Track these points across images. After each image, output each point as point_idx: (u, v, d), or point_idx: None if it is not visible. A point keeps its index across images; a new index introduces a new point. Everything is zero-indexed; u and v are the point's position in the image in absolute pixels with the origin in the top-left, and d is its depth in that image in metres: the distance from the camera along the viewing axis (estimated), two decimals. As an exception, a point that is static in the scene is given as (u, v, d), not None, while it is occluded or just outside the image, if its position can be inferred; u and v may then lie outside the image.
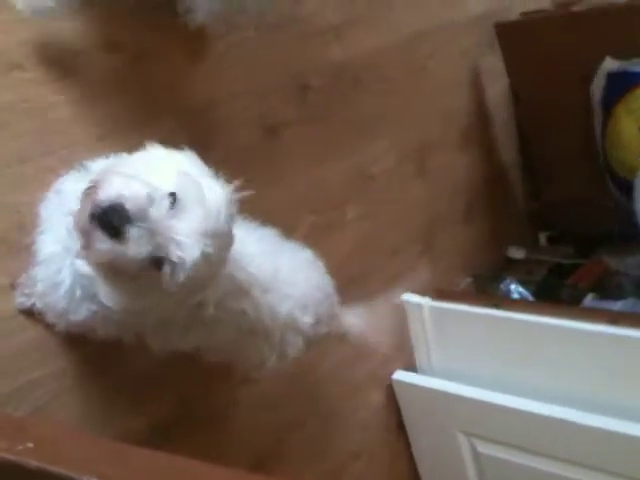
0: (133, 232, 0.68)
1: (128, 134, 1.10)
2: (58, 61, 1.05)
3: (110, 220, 0.68)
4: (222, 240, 0.75)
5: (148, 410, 1.17)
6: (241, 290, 0.94)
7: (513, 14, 1.97)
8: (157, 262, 0.71)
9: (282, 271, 1.01)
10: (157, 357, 0.98)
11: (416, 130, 1.75)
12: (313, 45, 1.45)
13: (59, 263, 0.85)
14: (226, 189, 0.77)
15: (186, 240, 0.70)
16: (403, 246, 1.73)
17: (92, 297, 0.82)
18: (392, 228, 1.69)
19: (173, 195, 0.71)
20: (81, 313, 0.86)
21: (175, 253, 0.70)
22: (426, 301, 1.64)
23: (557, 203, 2.04)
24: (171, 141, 0.80)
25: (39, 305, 0.98)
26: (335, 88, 1.51)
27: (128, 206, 0.68)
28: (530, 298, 1.77)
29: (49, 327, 1.00)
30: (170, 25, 1.18)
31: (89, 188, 0.73)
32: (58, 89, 1.05)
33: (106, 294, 0.77)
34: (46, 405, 1.06)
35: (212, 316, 0.89)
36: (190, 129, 1.22)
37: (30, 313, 1.01)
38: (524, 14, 1.97)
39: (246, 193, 0.79)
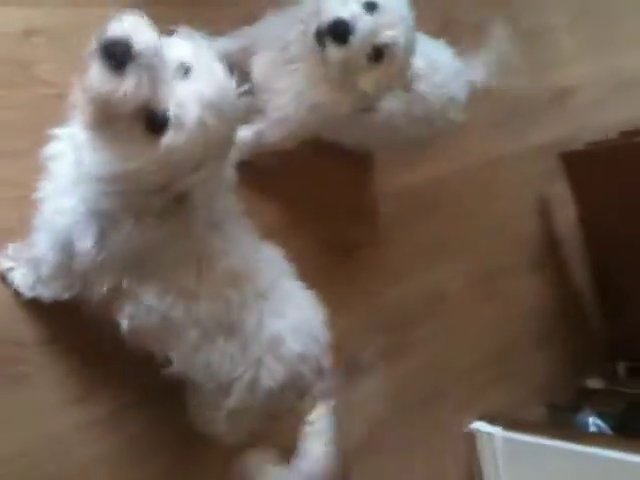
0: (134, 68, 0.64)
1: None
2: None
3: (113, 50, 0.64)
4: (223, 121, 0.70)
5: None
6: (232, 274, 0.86)
7: (577, 143, 2.02)
8: (151, 119, 0.66)
9: (282, 288, 0.93)
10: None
11: (486, 253, 1.77)
12: (387, 170, 1.53)
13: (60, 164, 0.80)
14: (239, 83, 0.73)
15: (188, 101, 0.65)
16: (473, 370, 1.70)
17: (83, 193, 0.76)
18: (462, 351, 1.67)
19: (186, 65, 0.68)
20: (67, 204, 0.79)
21: (174, 110, 0.65)
22: (497, 431, 1.58)
23: (634, 332, 1.96)
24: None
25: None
26: (407, 211, 1.57)
27: (135, 41, 0.65)
28: (609, 432, 1.66)
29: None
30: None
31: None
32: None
33: (94, 156, 0.71)
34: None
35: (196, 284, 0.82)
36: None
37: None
38: (589, 144, 2.02)
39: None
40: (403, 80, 1.09)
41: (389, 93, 1.10)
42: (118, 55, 0.64)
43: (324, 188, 1.41)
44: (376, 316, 1.48)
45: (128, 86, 0.64)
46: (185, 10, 1.29)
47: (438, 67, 1.25)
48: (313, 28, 1.00)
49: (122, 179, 0.73)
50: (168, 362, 0.92)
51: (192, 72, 0.68)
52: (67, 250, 0.82)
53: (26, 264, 0.95)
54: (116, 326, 0.89)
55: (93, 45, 0.66)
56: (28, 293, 0.97)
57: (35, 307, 0.99)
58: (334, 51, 0.99)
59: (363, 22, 0.97)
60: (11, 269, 0.99)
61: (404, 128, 1.24)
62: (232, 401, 0.90)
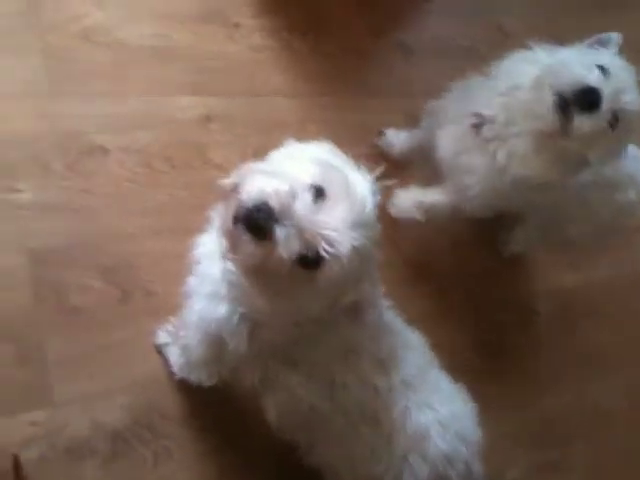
0: (280, 232, 0.63)
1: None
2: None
3: (256, 221, 0.64)
4: (370, 230, 0.68)
5: None
6: (379, 361, 0.83)
7: None
8: (304, 260, 0.65)
9: (430, 378, 0.88)
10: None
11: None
12: (546, 268, 1.44)
13: (209, 265, 0.82)
14: (369, 177, 0.71)
15: (335, 235, 0.64)
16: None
17: (234, 299, 0.77)
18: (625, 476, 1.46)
19: (315, 186, 0.66)
20: (220, 312, 0.79)
21: (325, 248, 0.64)
22: None
23: None
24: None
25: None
26: (564, 315, 1.46)
27: (272, 204, 0.63)
28: None
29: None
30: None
31: (230, 190, 0.69)
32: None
33: (253, 299, 0.71)
34: None
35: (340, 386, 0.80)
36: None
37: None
38: None
39: (389, 182, 0.71)
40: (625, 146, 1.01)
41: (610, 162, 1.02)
42: (262, 224, 0.63)
43: (480, 279, 1.37)
44: (528, 427, 1.35)
45: (281, 250, 0.63)
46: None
47: None
48: (549, 97, 0.93)
49: (285, 314, 0.73)
50: (311, 451, 0.91)
51: (327, 195, 0.66)
52: (217, 346, 0.83)
53: (179, 346, 0.97)
54: (263, 412, 0.88)
55: (233, 215, 0.66)
56: (178, 373, 0.99)
57: (184, 383, 0.99)
58: (584, 121, 0.91)
59: (608, 87, 0.91)
60: (167, 344, 1.03)
61: (594, 199, 1.16)
62: None
